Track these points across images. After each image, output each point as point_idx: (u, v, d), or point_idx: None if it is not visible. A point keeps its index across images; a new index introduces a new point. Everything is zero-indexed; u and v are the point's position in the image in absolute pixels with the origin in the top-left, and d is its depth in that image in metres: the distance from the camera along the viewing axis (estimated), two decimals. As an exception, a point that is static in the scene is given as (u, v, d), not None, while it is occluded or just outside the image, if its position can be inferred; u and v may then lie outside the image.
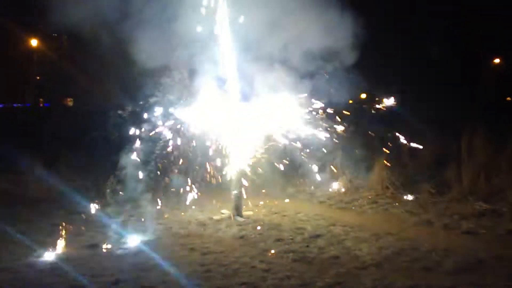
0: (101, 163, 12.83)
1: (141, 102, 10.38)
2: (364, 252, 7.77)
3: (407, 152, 13.49)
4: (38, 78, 31.58)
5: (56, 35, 32.06)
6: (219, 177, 10.93)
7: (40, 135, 16.44)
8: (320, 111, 11.29)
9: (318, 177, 13.03)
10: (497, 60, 33.39)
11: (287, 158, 11.91)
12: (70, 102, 31.35)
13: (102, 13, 10.32)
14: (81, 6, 10.30)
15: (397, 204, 10.91)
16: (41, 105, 31.72)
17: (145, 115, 10.49)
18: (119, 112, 10.64)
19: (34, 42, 30.13)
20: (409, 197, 11.31)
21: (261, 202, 11.63)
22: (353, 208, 10.97)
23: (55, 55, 30.52)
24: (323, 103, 11.34)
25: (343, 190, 12.24)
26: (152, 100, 10.31)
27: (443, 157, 12.84)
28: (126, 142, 10.48)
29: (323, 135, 11.06)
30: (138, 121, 10.58)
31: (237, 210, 10.15)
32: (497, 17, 24.93)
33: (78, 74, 26.14)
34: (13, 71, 29.37)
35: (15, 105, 29.89)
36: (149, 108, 10.36)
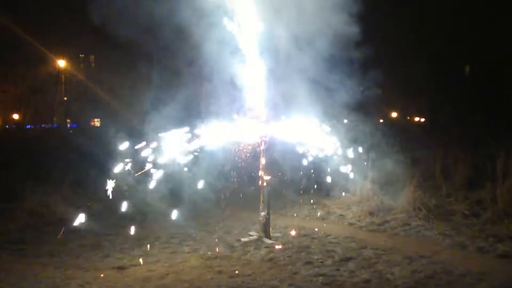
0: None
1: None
2: (396, 276, 7.62)
3: (439, 173, 13.27)
4: (65, 98, 32.00)
5: (83, 55, 32.55)
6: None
7: (69, 156, 16.53)
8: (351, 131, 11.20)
9: (348, 198, 12.95)
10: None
11: (316, 180, 11.81)
12: (97, 122, 31.70)
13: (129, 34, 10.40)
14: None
15: (429, 226, 10.66)
16: (69, 125, 32.12)
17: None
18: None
19: (61, 63, 30.54)
20: (442, 219, 11.04)
21: (290, 224, 11.47)
22: (385, 230, 10.77)
23: (83, 76, 30.94)
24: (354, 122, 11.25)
25: (374, 211, 11.98)
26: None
27: (477, 177, 12.62)
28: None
29: (353, 156, 10.95)
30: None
31: (265, 232, 10.02)
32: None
33: (106, 95, 26.44)
34: (41, 92, 29.77)
35: (43, 126, 30.31)
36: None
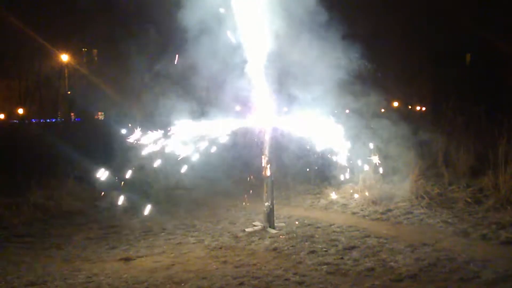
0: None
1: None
2: (399, 264, 7.62)
3: (442, 161, 13.27)
4: (69, 92, 31.92)
5: (86, 49, 32.47)
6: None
7: (73, 149, 16.59)
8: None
9: (351, 187, 12.97)
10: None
11: (320, 169, 11.85)
12: (101, 116, 31.67)
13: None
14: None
15: (432, 214, 10.68)
16: (72, 119, 32.05)
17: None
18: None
19: (64, 57, 30.47)
20: (445, 207, 11.07)
21: (294, 214, 11.53)
22: (388, 219, 10.79)
23: (86, 70, 30.84)
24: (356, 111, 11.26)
25: (377, 200, 12.00)
26: None
27: (480, 165, 12.62)
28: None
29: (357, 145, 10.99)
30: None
31: (270, 222, 10.07)
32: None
33: (109, 88, 26.42)
34: (45, 86, 29.71)
35: (47, 120, 30.24)
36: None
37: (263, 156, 10.10)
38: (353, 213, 11.50)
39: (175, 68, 10.67)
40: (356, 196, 12.70)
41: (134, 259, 8.40)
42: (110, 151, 14.16)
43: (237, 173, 15.77)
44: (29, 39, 25.06)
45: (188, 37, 9.97)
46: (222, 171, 15.45)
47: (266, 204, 10.06)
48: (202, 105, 10.91)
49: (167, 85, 11.60)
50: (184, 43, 10.10)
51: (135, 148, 9.56)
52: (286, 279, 7.11)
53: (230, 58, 9.78)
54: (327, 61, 10.26)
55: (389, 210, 11.27)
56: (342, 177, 12.54)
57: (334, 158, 11.22)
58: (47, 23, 25.86)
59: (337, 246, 8.71)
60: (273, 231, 9.85)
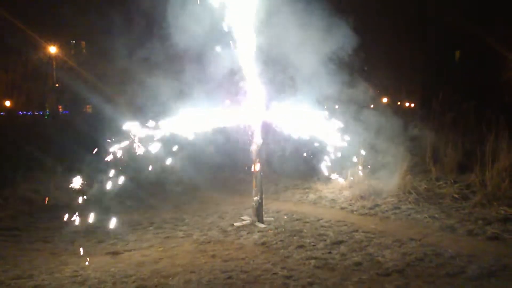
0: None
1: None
2: (387, 259, 7.68)
3: (430, 157, 13.34)
4: (57, 85, 31.70)
5: (74, 41, 32.27)
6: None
7: (61, 142, 16.47)
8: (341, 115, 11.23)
9: (339, 182, 13.00)
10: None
11: (309, 163, 11.85)
12: (89, 109, 31.52)
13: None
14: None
15: (420, 209, 10.73)
16: (60, 112, 31.87)
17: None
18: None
19: (52, 49, 30.25)
20: (432, 203, 11.13)
21: (283, 208, 11.54)
22: (375, 214, 10.83)
23: (74, 62, 30.65)
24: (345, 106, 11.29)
25: (365, 195, 12.03)
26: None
27: (467, 161, 12.69)
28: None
29: (344, 140, 10.99)
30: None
31: (258, 217, 10.07)
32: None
33: (97, 81, 26.28)
34: (32, 78, 29.49)
35: (36, 112, 30.03)
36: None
37: (252, 151, 10.09)
38: (342, 208, 11.53)
39: (162, 54, 10.61)
40: (344, 191, 12.73)
41: (122, 253, 8.37)
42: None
43: (226, 167, 15.79)
44: (17, 30, 24.87)
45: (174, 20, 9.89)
46: (211, 166, 15.46)
47: (255, 198, 10.06)
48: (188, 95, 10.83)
49: (154, 74, 11.53)
50: (171, 27, 10.01)
51: None
52: (274, 273, 7.12)
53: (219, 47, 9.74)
54: (315, 51, 10.27)
55: (377, 205, 11.32)
56: (330, 172, 12.58)
57: (323, 153, 11.24)
58: (35, 15, 25.68)
59: (325, 240, 8.73)
60: (262, 225, 9.85)
